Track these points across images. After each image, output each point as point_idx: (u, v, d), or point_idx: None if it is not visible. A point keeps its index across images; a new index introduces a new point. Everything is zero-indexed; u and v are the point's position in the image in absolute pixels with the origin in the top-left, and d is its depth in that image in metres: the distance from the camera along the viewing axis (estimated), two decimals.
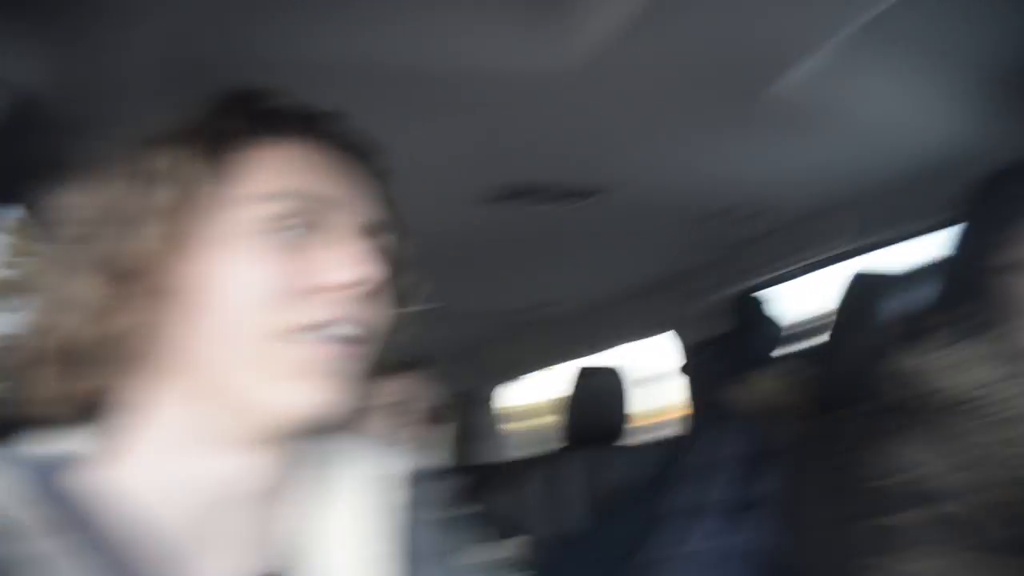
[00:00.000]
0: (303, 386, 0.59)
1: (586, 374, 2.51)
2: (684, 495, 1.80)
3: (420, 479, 0.74)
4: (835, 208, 1.81)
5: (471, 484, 3.78)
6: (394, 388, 1.62)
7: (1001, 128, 1.43)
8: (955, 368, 1.04)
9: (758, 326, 2.01)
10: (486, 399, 3.84)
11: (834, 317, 1.54)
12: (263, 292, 0.58)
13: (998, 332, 1.04)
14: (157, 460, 0.60)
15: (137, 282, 0.58)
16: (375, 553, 0.65)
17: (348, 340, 0.60)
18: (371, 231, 0.65)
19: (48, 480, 0.57)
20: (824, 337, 1.58)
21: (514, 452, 3.79)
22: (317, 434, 0.64)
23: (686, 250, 2.13)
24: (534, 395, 4.11)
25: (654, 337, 2.78)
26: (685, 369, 2.09)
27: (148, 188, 0.59)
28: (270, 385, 0.59)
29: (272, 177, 0.61)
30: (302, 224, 0.60)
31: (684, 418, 2.45)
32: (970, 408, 1.02)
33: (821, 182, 1.69)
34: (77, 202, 0.60)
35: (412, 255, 0.75)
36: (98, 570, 0.54)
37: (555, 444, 2.61)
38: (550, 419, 2.66)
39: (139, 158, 0.60)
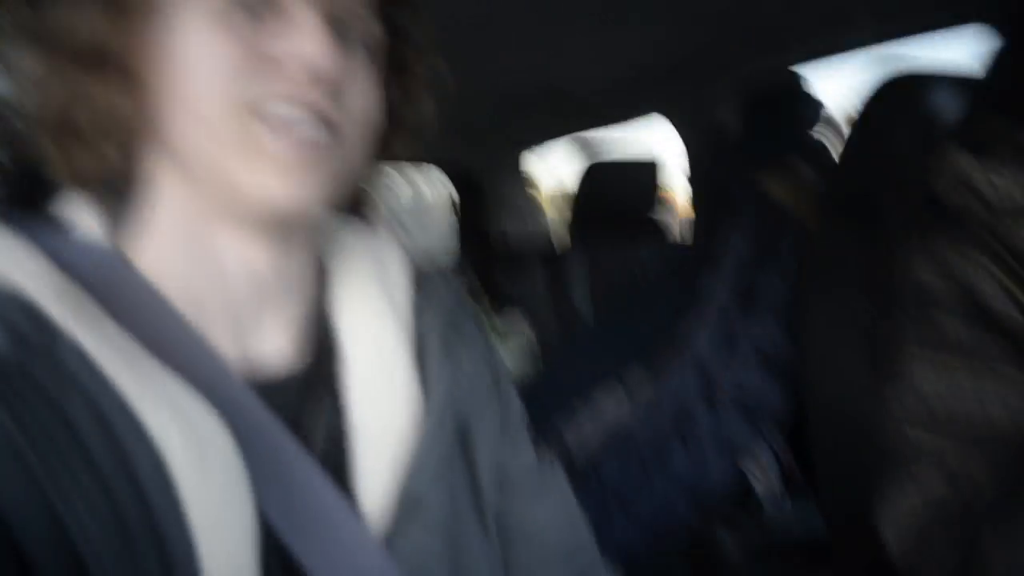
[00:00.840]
0: (278, 174, 0.56)
1: (598, 169, 2.47)
2: (692, 291, 1.82)
3: (433, 270, 0.74)
4: None
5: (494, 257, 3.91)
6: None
7: None
8: (996, 174, 0.96)
9: (786, 109, 1.89)
10: (509, 168, 3.80)
11: (866, 121, 1.45)
12: (220, 61, 0.54)
13: None
14: (168, 238, 0.60)
15: (86, 56, 0.54)
16: (394, 344, 0.65)
17: (312, 135, 0.56)
18: (346, 17, 0.59)
19: (64, 249, 0.57)
20: (852, 138, 1.50)
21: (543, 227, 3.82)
22: (314, 225, 0.65)
23: (690, 24, 1.95)
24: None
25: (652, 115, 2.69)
26: (692, 155, 2.01)
27: None
28: (244, 166, 0.56)
29: None
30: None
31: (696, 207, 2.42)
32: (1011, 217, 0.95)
33: None
34: None
35: (426, 38, 0.70)
36: (123, 340, 0.54)
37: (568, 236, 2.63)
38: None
39: None
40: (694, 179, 2.03)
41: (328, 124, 0.57)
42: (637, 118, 2.83)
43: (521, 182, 3.81)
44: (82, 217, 0.60)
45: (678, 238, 2.58)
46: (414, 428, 0.63)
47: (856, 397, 1.26)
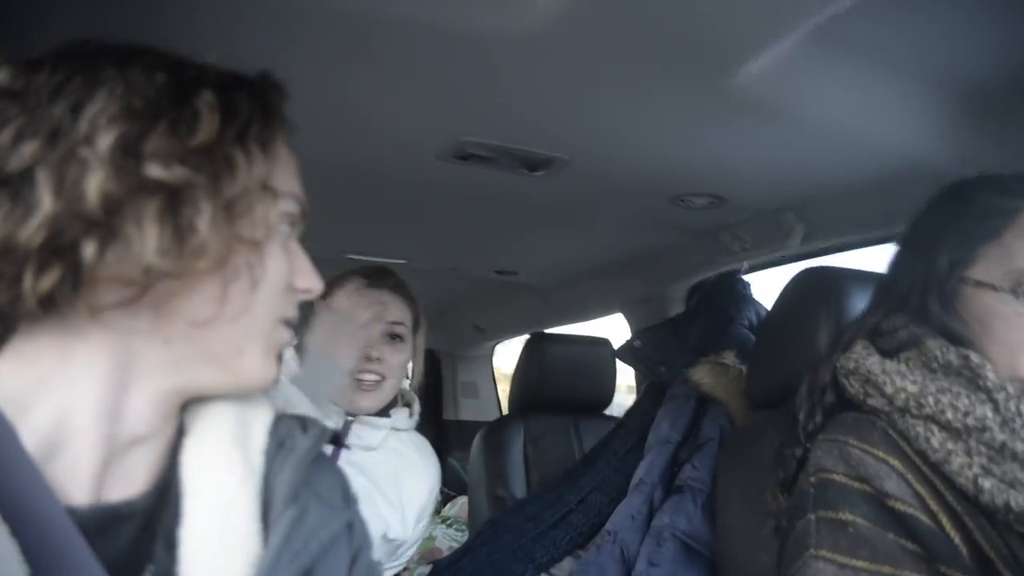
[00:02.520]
0: (272, 362, 0.68)
1: (536, 342, 2.48)
2: (612, 471, 1.79)
3: (299, 424, 0.74)
4: (789, 207, 1.75)
5: (435, 437, 3.88)
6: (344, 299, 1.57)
7: (964, 142, 1.38)
8: (898, 375, 1.00)
9: (716, 308, 1.96)
10: (463, 358, 3.83)
11: (778, 310, 1.50)
12: (282, 283, 0.66)
13: (943, 343, 1.00)
14: (88, 380, 0.59)
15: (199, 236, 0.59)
16: (236, 489, 0.65)
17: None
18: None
19: None
20: (767, 330, 1.54)
21: (488, 412, 3.81)
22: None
23: (643, 231, 2.06)
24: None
25: (612, 314, 2.76)
26: (626, 349, 2.04)
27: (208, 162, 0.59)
28: (258, 357, 0.66)
29: (290, 177, 0.68)
30: (291, 227, 0.69)
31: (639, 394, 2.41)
32: (912, 415, 0.98)
33: (777, 179, 1.62)
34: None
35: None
36: None
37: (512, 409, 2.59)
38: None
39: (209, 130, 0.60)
40: (634, 362, 2.05)
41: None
42: (599, 316, 2.91)
43: (487, 372, 3.85)
44: None
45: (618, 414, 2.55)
46: (249, 570, 0.62)
47: None
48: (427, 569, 2.29)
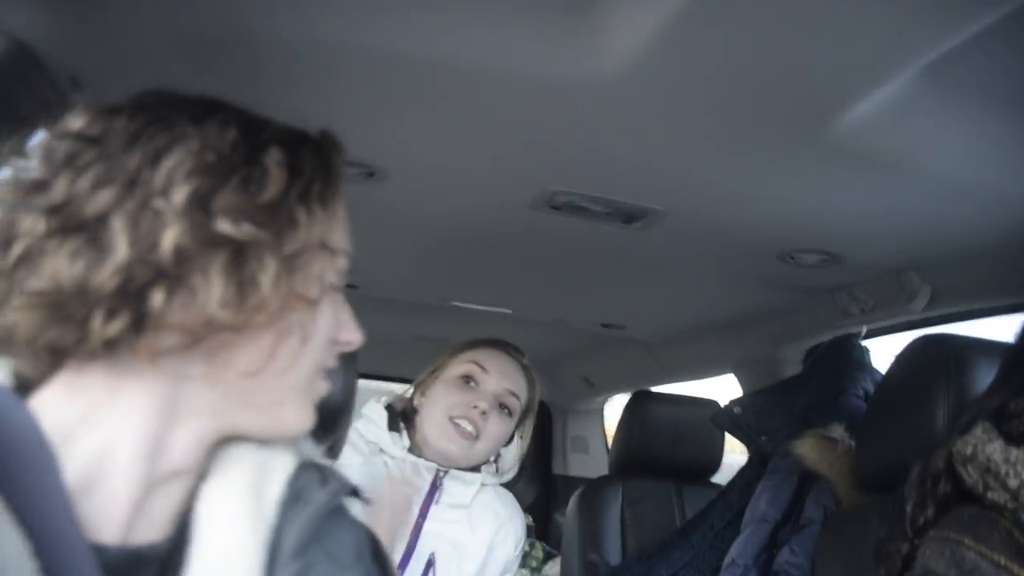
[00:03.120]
0: (309, 411, 0.69)
1: (639, 401, 2.36)
2: (707, 547, 1.65)
3: (320, 477, 0.74)
4: (912, 267, 1.59)
5: (543, 492, 3.79)
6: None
7: None
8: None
9: (827, 374, 1.79)
10: (573, 411, 3.75)
11: (891, 380, 1.34)
12: (329, 334, 0.68)
13: None
14: (103, 421, 0.59)
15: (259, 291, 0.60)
16: (244, 538, 0.65)
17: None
18: None
19: None
20: (878, 402, 1.38)
21: (598, 469, 3.70)
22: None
23: (751, 288, 1.93)
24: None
25: (724, 374, 2.61)
26: (725, 414, 1.90)
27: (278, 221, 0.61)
28: (296, 408, 0.67)
29: (344, 234, 0.69)
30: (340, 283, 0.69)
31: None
32: None
33: (897, 237, 1.47)
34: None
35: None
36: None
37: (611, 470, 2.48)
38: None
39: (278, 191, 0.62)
40: (733, 430, 1.90)
41: None
42: (710, 375, 2.76)
43: (598, 427, 3.74)
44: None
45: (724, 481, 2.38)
46: None
47: None
48: None
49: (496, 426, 1.56)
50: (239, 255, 0.57)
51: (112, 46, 1.03)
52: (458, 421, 1.53)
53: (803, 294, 1.87)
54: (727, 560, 1.54)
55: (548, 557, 3.42)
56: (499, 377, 1.58)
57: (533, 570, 3.43)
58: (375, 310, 2.65)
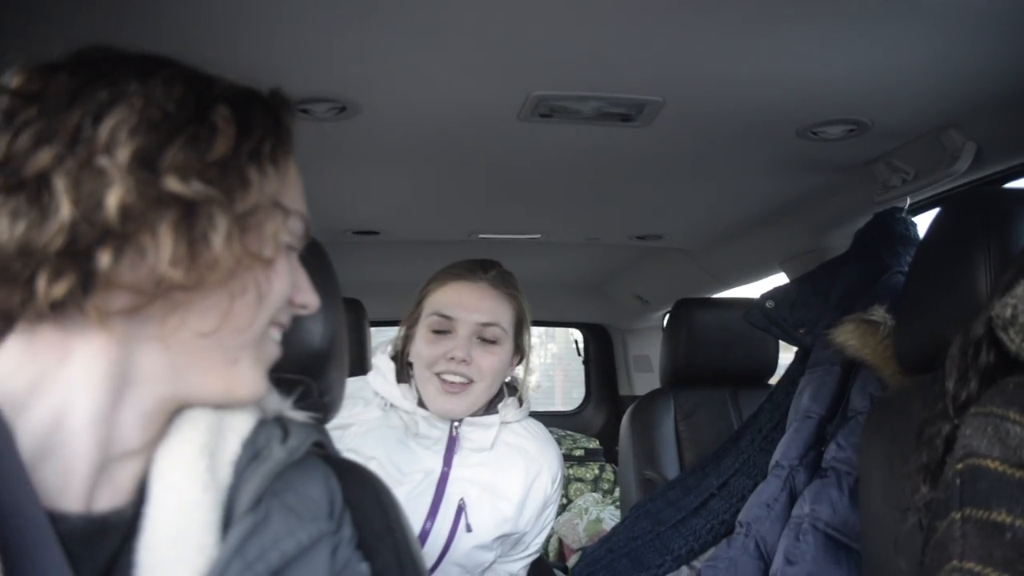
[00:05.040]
0: (263, 374, 0.68)
1: (682, 309, 2.25)
2: (757, 451, 1.56)
3: (281, 433, 0.73)
4: (952, 124, 1.42)
5: (612, 415, 3.76)
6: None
7: None
8: None
9: (867, 255, 1.64)
10: (631, 331, 3.66)
11: (928, 246, 1.20)
12: (284, 298, 0.67)
13: None
14: (55, 389, 0.59)
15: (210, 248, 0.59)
16: (204, 501, 0.64)
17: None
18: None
19: None
20: (915, 272, 1.24)
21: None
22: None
23: (776, 175, 1.78)
24: None
25: (774, 274, 2.47)
26: (756, 310, 1.76)
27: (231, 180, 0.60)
28: (249, 368, 0.66)
29: (298, 196, 0.68)
30: (295, 242, 0.68)
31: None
32: None
33: (932, 91, 1.30)
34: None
35: None
36: None
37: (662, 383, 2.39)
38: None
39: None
40: (767, 326, 1.77)
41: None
42: (760, 277, 2.62)
43: (657, 342, 3.65)
44: None
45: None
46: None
47: None
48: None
49: (486, 360, 1.45)
50: (189, 213, 0.57)
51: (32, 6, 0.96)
52: (444, 376, 1.44)
53: (837, 173, 1.71)
54: (772, 462, 1.45)
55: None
56: (467, 314, 1.46)
57: (605, 492, 3.41)
58: (400, 254, 2.59)
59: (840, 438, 1.31)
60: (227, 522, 0.65)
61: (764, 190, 1.91)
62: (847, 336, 1.35)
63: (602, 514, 3.04)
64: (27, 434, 0.57)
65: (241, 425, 0.71)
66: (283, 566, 0.65)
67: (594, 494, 3.34)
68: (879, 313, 1.35)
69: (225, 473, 0.67)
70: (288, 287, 0.67)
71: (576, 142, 1.60)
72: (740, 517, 1.45)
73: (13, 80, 0.58)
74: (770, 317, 1.66)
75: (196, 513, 0.63)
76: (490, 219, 2.34)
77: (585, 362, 3.99)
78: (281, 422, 0.75)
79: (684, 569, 1.56)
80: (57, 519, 0.57)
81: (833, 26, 1.09)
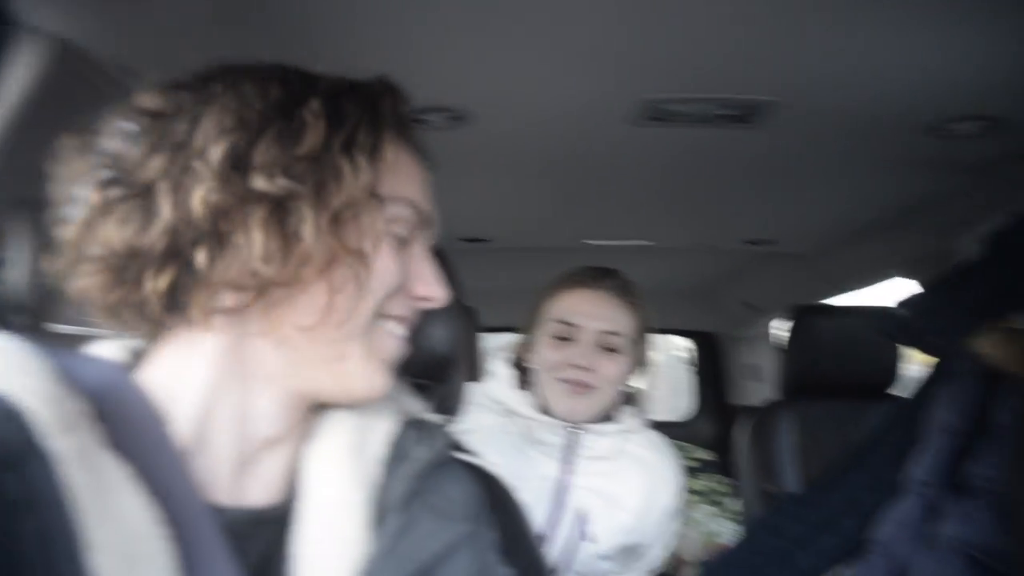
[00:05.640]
0: (379, 369, 0.67)
1: (803, 317, 2.16)
2: (887, 466, 1.47)
3: (422, 434, 0.74)
4: None
5: (721, 425, 3.66)
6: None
7: None
8: None
9: (1007, 259, 1.52)
10: (740, 339, 3.57)
11: None
12: (389, 289, 0.65)
13: None
14: (196, 386, 0.63)
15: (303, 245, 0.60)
16: (354, 498, 0.66)
17: (404, 339, 0.69)
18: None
19: (85, 375, 0.60)
20: None
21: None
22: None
23: (900, 176, 1.69)
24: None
25: (893, 278, 2.35)
26: (887, 319, 1.66)
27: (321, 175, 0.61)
28: (360, 363, 0.65)
29: (405, 182, 0.67)
30: (409, 232, 0.67)
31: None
32: None
33: None
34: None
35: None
36: (101, 455, 0.55)
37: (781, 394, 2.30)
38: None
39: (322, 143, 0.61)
40: (899, 335, 1.67)
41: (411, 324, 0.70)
42: (877, 281, 2.50)
43: (765, 350, 3.53)
44: (103, 346, 0.66)
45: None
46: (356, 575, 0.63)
47: None
48: None
49: (608, 367, 1.44)
50: (278, 209, 0.58)
51: (152, 29, 1.02)
52: (564, 381, 1.43)
53: (966, 172, 1.61)
54: (906, 478, 1.36)
55: (736, 491, 3.29)
56: (590, 322, 1.44)
57: (719, 505, 3.30)
58: (508, 260, 2.60)
59: (981, 453, 1.22)
60: (377, 521, 0.67)
61: (886, 191, 1.82)
62: (988, 345, 1.26)
63: (718, 528, 2.95)
64: (178, 431, 0.61)
65: (385, 425, 0.73)
66: (431, 566, 0.66)
67: (708, 507, 3.25)
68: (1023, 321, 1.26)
69: (373, 472, 0.69)
70: (395, 278, 0.66)
71: (687, 145, 1.57)
72: (873, 535, 1.37)
73: (144, 100, 0.61)
74: (901, 326, 1.57)
75: (348, 509, 0.65)
76: (599, 225, 2.33)
77: (696, 371, 3.90)
78: (422, 424, 0.76)
79: None
80: (215, 512, 0.60)
81: (964, 16, 1.03)
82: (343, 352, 0.64)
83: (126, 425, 0.58)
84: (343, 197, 0.60)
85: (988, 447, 1.23)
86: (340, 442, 0.69)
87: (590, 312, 1.45)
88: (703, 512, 3.18)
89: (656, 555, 1.56)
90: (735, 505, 3.09)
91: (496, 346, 1.68)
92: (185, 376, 0.63)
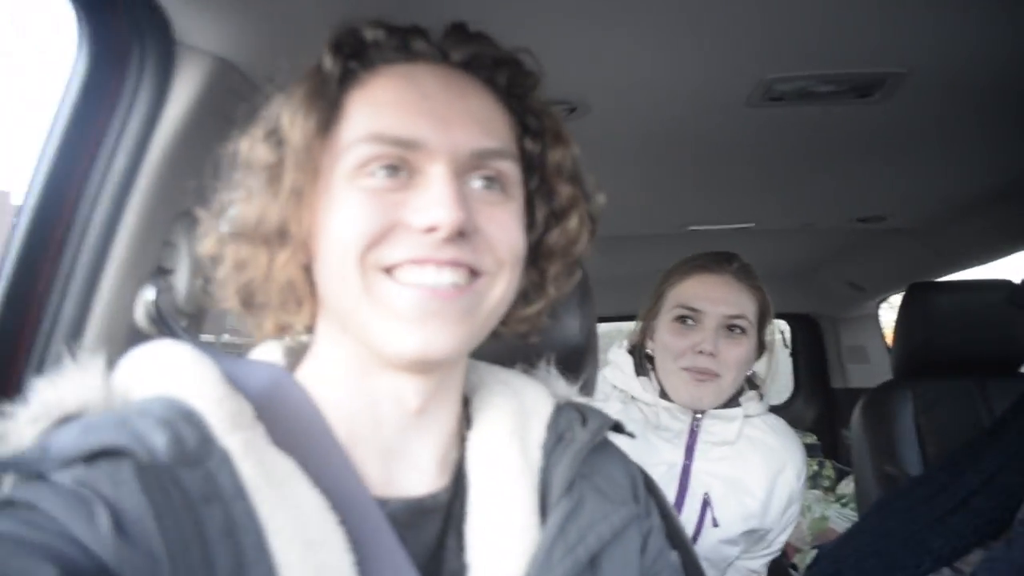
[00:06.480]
0: (403, 327, 0.60)
1: (918, 294, 2.09)
2: (1019, 446, 1.42)
3: (580, 417, 0.74)
4: None
5: (824, 409, 3.57)
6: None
7: None
8: None
9: None
10: (844, 320, 3.48)
11: None
12: (356, 235, 0.60)
13: None
14: (332, 374, 0.66)
15: (265, 237, 0.63)
16: (516, 484, 0.67)
17: (441, 285, 0.61)
18: (474, 163, 0.63)
19: (241, 371, 0.64)
20: None
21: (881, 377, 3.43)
22: (453, 368, 0.68)
23: (1019, 147, 1.62)
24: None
25: (1012, 253, 2.25)
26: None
27: (264, 148, 0.63)
28: (380, 323, 0.61)
29: (363, 121, 0.63)
30: (392, 167, 0.62)
31: None
32: None
33: None
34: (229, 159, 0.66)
35: (568, 165, 0.71)
36: (273, 454, 0.58)
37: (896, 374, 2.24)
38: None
39: (263, 116, 0.64)
40: None
41: (464, 268, 0.62)
42: (996, 257, 2.40)
43: (875, 333, 3.43)
44: (264, 351, 0.70)
45: None
46: (529, 561, 0.63)
47: None
48: None
49: (732, 351, 1.44)
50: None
51: (297, 42, 1.06)
52: (689, 367, 1.43)
53: None
54: None
55: (841, 475, 3.21)
56: (714, 307, 1.44)
57: (826, 490, 3.24)
58: (613, 249, 2.60)
59: None
60: (543, 507, 0.67)
61: (1001, 162, 1.75)
62: None
63: (827, 512, 2.90)
64: (333, 425, 0.64)
65: (542, 409, 0.73)
66: (600, 549, 0.67)
67: (815, 491, 3.19)
68: None
69: (535, 456, 0.70)
70: (366, 225, 0.61)
71: (803, 124, 1.54)
72: (1021, 514, 1.33)
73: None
74: None
75: (517, 495, 0.66)
76: (703, 209, 2.30)
77: (792, 354, 3.82)
78: (577, 407, 0.77)
79: (945, 570, 1.45)
80: (381, 503, 0.62)
81: None
82: (359, 317, 0.62)
83: (286, 423, 0.61)
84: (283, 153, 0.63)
85: None
86: (502, 428, 0.70)
87: (714, 297, 1.45)
88: (811, 497, 3.13)
89: (779, 540, 1.55)
90: (845, 488, 3.02)
91: (607, 334, 1.69)
92: (327, 371, 0.66)
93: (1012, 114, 1.47)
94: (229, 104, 1.00)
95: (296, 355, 0.69)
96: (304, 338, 0.70)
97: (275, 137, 0.63)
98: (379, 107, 0.63)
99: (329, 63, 0.64)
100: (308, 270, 0.64)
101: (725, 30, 1.15)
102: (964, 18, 1.11)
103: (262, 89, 0.67)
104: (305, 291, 0.65)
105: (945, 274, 2.61)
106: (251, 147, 0.64)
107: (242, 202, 0.64)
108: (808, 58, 1.25)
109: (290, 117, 0.62)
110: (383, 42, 0.65)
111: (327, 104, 0.63)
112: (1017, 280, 1.88)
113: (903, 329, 2.12)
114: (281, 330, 0.67)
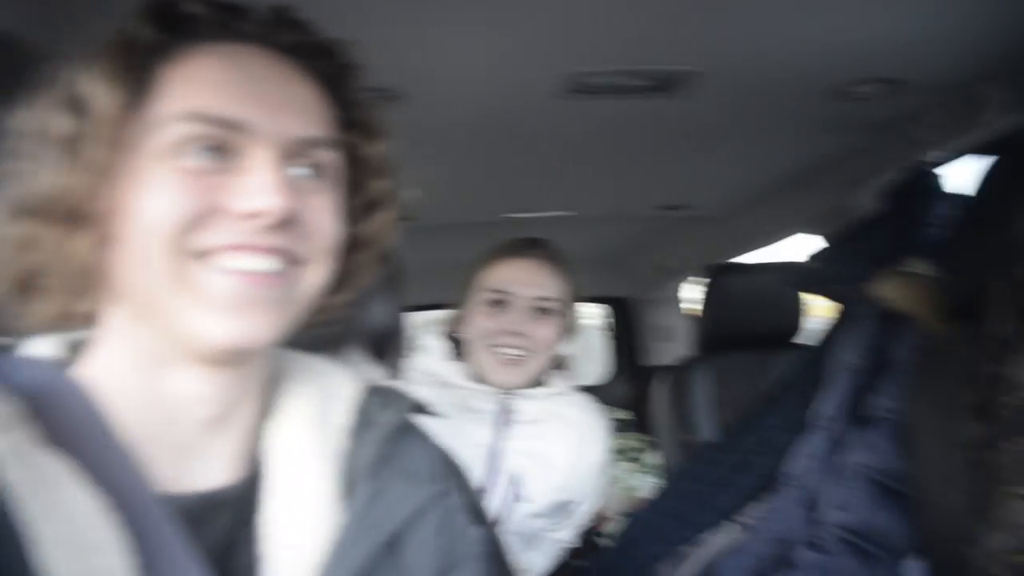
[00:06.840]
0: (219, 316, 0.58)
1: (713, 275, 2.28)
2: (793, 407, 1.59)
3: (384, 399, 0.73)
4: (988, 76, 1.43)
5: (635, 386, 3.78)
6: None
7: None
8: None
9: (899, 210, 1.67)
10: (652, 302, 3.69)
11: (974, 196, 1.23)
12: (170, 217, 0.57)
13: None
14: (120, 368, 0.62)
15: (58, 215, 0.58)
16: (316, 470, 0.66)
17: (260, 271, 0.59)
18: (298, 150, 0.62)
19: (18, 376, 0.60)
20: (962, 221, 1.28)
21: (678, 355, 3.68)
22: (257, 359, 0.66)
23: (809, 137, 1.81)
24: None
25: (798, 234, 2.49)
26: (798, 272, 1.79)
27: (61, 118, 0.58)
28: (192, 312, 0.58)
29: (181, 98, 0.59)
30: (212, 148, 0.59)
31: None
32: None
33: (965, 48, 1.32)
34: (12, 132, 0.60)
35: (382, 158, 0.70)
36: (39, 453, 0.54)
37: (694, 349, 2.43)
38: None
39: (60, 85, 0.59)
40: (807, 285, 1.81)
41: (283, 256, 0.61)
42: (784, 238, 2.64)
43: (675, 311, 3.68)
44: (40, 344, 0.64)
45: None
46: (327, 548, 0.63)
47: (962, 529, 0.99)
48: None
49: (541, 331, 1.51)
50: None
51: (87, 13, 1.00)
52: (499, 349, 1.49)
53: (869, 131, 1.73)
54: (814, 415, 1.48)
55: (652, 447, 3.43)
56: (523, 288, 1.51)
57: (634, 460, 3.45)
58: (432, 237, 2.63)
59: (881, 387, 1.34)
60: (347, 489, 0.67)
61: (795, 153, 1.94)
62: (884, 289, 1.39)
63: (637, 482, 3.09)
64: (118, 421, 0.61)
65: (347, 393, 0.72)
66: (400, 529, 0.67)
67: (627, 464, 3.38)
68: (917, 265, 1.38)
69: (339, 441, 0.68)
70: (178, 209, 0.58)
71: (608, 116, 1.63)
72: (787, 468, 1.49)
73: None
74: (807, 277, 1.70)
75: (314, 482, 0.65)
76: (519, 198, 2.38)
77: (611, 335, 4.02)
78: (384, 390, 0.76)
79: (725, 523, 1.60)
80: (168, 500, 0.59)
81: None
82: (165, 305, 0.59)
83: (63, 421, 0.57)
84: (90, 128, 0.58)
85: (887, 381, 1.35)
86: (301, 414, 0.69)
87: (523, 280, 1.51)
88: (623, 469, 3.31)
89: (585, 511, 1.64)
90: (653, 460, 3.23)
91: (422, 322, 1.72)
92: (115, 365, 0.63)
93: (795, 111, 1.64)
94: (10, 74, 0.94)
95: (77, 349, 0.65)
96: (83, 332, 0.65)
97: (75, 107, 0.58)
98: (200, 85, 0.60)
99: (140, 31, 0.60)
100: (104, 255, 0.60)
101: (535, 24, 1.20)
102: (752, 23, 1.22)
103: (51, 58, 0.63)
104: (98, 276, 0.61)
105: (737, 256, 2.84)
106: (44, 116, 0.59)
107: (31, 175, 0.58)
108: (613, 54, 1.32)
109: (93, 86, 0.58)
110: (204, 16, 0.62)
111: (137, 75, 0.59)
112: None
113: (704, 308, 2.31)
114: (60, 319, 0.63)
